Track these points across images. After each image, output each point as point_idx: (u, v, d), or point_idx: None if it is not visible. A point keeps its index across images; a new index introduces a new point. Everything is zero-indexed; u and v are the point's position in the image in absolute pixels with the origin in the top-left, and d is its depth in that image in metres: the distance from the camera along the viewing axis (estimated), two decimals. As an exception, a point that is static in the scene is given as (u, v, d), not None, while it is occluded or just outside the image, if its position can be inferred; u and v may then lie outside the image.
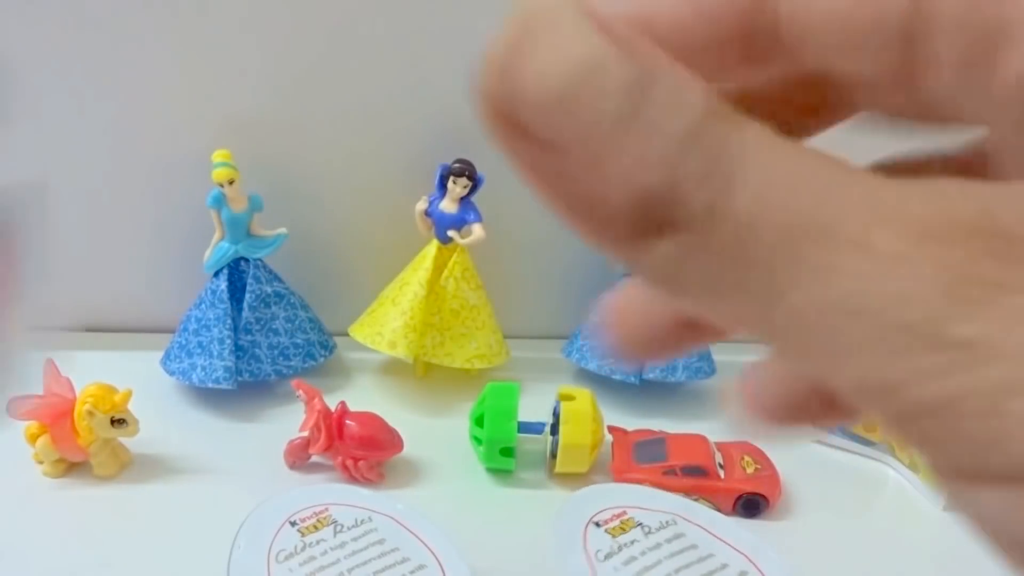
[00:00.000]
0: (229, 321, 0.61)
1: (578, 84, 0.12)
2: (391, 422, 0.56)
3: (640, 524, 0.45)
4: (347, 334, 0.66)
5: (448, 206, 0.63)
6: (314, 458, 0.56)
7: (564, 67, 0.12)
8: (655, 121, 0.12)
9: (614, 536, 0.44)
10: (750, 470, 0.54)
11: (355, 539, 0.44)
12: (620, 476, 0.54)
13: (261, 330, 0.63)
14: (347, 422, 0.55)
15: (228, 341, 0.61)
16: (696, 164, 0.12)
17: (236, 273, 0.63)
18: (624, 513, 0.46)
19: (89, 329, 0.71)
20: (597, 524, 0.45)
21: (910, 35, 0.13)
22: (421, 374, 0.68)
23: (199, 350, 0.61)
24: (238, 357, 0.62)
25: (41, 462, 0.54)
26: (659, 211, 0.12)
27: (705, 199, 0.12)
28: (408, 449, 0.56)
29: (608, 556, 0.43)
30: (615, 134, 0.12)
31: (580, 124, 0.13)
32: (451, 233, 0.64)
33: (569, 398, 0.56)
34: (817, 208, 0.12)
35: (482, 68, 0.14)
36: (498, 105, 0.13)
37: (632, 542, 0.44)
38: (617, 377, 0.64)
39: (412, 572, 0.42)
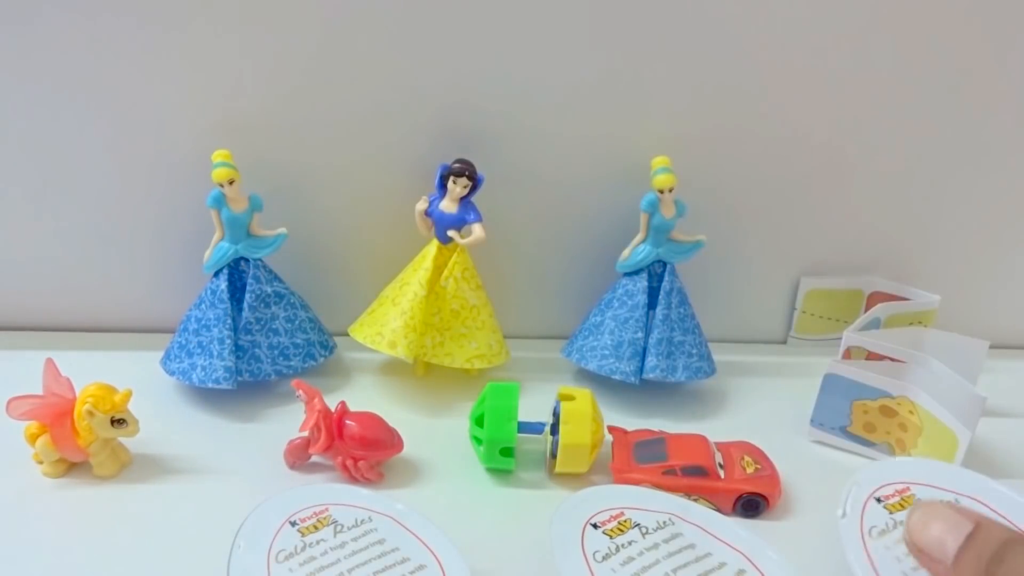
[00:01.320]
0: (229, 321, 0.61)
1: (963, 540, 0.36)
2: (391, 422, 0.56)
3: (637, 524, 0.45)
4: (347, 334, 0.66)
5: (448, 206, 0.63)
6: (314, 458, 0.56)
7: (952, 534, 0.37)
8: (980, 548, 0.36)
9: (612, 537, 0.44)
10: (750, 470, 0.54)
11: (355, 539, 0.44)
12: (620, 476, 0.54)
13: (261, 330, 0.63)
14: (347, 422, 0.55)
15: (228, 341, 0.61)
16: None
17: (236, 273, 0.63)
18: (622, 514, 0.46)
19: (89, 329, 0.71)
20: (595, 525, 0.45)
21: None
22: (421, 374, 0.68)
23: (199, 350, 0.61)
24: (238, 357, 0.62)
25: (41, 462, 0.54)
26: None
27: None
28: (408, 449, 0.56)
29: (606, 557, 0.43)
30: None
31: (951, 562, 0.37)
32: (451, 233, 0.64)
33: (569, 398, 0.56)
34: None
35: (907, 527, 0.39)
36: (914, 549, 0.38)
37: (630, 543, 0.44)
38: (617, 377, 0.64)
39: (412, 572, 0.42)
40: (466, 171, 0.62)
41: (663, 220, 0.64)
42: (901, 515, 0.45)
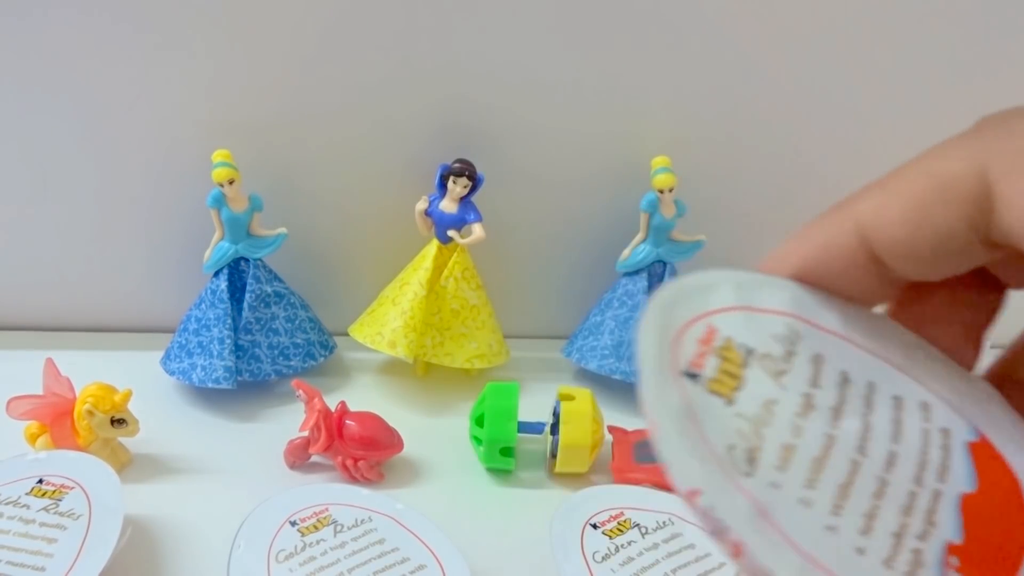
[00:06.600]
0: (229, 321, 0.61)
1: None
2: (391, 422, 0.56)
3: (637, 525, 0.45)
4: (347, 334, 0.66)
5: (448, 206, 0.63)
6: (314, 458, 0.56)
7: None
8: None
9: (611, 537, 0.44)
10: (750, 470, 0.54)
11: (355, 539, 0.44)
12: (620, 476, 0.54)
13: (261, 330, 0.63)
14: (347, 422, 0.55)
15: (228, 341, 0.61)
16: None
17: (236, 273, 0.63)
18: (621, 514, 0.46)
19: (89, 329, 0.71)
20: (594, 526, 0.45)
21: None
22: (421, 374, 0.68)
23: (199, 350, 0.61)
24: (238, 357, 0.62)
25: (41, 462, 0.54)
26: None
27: None
28: (408, 449, 0.56)
29: (605, 558, 0.43)
30: None
31: None
32: (451, 233, 0.64)
33: (569, 398, 0.56)
34: None
35: None
36: None
37: (629, 543, 0.44)
38: (617, 377, 0.64)
39: (412, 572, 0.42)
40: (466, 171, 0.62)
41: (663, 220, 0.64)
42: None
